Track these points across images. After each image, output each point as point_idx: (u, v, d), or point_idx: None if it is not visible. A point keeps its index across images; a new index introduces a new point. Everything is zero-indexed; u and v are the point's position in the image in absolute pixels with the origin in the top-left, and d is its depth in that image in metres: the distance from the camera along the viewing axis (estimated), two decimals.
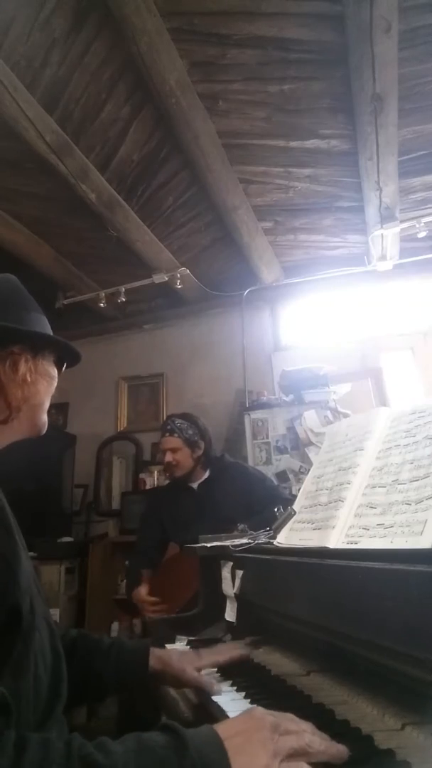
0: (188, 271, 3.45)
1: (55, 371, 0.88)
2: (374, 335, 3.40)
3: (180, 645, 1.17)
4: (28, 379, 0.81)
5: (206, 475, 2.28)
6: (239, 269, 3.57)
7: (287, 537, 1.00)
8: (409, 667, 0.59)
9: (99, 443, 3.83)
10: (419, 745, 0.57)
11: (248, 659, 0.96)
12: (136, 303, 4.01)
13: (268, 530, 1.17)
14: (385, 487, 0.78)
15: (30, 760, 0.46)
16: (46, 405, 0.86)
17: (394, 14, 1.73)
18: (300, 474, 2.72)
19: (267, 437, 2.94)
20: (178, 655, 0.92)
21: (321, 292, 3.62)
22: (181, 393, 3.78)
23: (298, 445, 2.82)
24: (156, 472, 3.55)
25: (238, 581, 1.10)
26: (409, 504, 0.69)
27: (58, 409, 3.98)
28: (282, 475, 2.82)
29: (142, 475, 3.61)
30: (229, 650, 0.99)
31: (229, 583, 1.14)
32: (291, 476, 2.79)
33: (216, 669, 0.96)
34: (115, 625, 3.23)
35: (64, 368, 0.91)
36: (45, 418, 0.86)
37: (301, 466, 2.76)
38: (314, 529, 0.90)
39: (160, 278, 3.45)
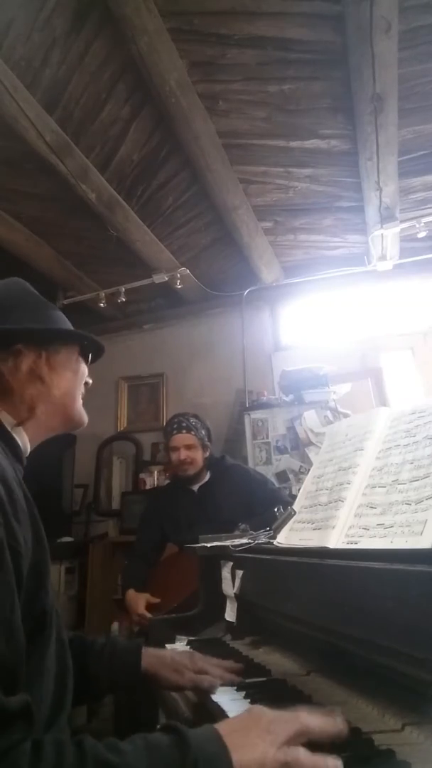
0: (188, 271, 3.45)
1: (79, 363, 0.90)
2: (374, 335, 3.39)
3: (180, 645, 1.17)
4: (39, 375, 0.81)
5: (207, 477, 2.27)
6: (239, 269, 3.57)
7: (287, 537, 1.00)
8: (409, 667, 0.59)
9: (99, 443, 3.83)
10: (419, 745, 0.57)
11: (241, 671, 0.91)
12: (136, 303, 4.01)
13: (268, 530, 1.17)
14: (385, 487, 0.78)
15: (47, 764, 0.48)
16: (77, 396, 0.88)
17: (394, 14, 1.73)
18: (300, 474, 2.72)
19: (267, 437, 2.94)
20: (173, 656, 0.91)
21: (321, 292, 3.62)
22: (181, 393, 3.78)
23: (298, 445, 2.82)
24: (156, 472, 3.56)
25: (238, 581, 1.10)
26: (409, 504, 0.69)
27: None
28: (282, 475, 2.82)
29: (142, 475, 3.61)
30: (221, 664, 0.92)
31: (229, 583, 1.14)
32: (291, 476, 2.79)
33: None
34: (115, 625, 3.22)
35: (90, 360, 0.93)
36: (80, 409, 0.88)
37: (301, 466, 2.76)
38: (314, 529, 0.90)
39: (160, 278, 3.44)
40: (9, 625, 0.55)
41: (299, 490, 1.11)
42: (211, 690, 0.83)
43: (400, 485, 0.75)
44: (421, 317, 3.32)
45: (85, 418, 0.90)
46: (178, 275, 3.43)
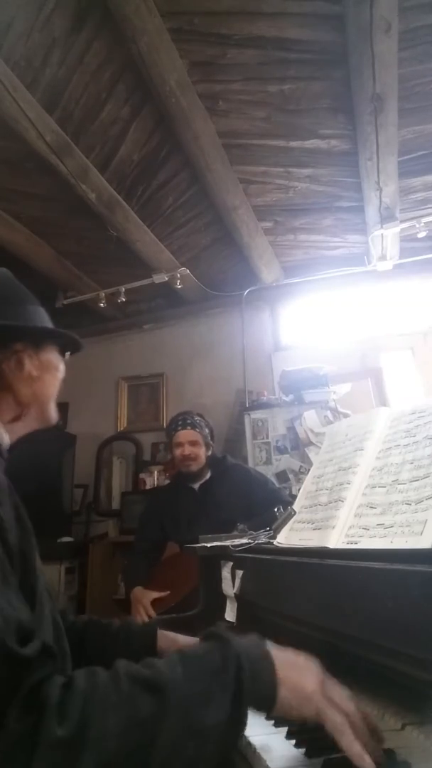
0: (188, 271, 3.45)
1: (59, 362, 0.88)
2: (374, 335, 3.39)
3: None
4: (34, 374, 0.81)
5: (208, 475, 2.28)
6: (239, 269, 3.57)
7: (287, 537, 1.00)
8: (409, 667, 0.59)
9: (99, 443, 3.82)
10: (419, 745, 0.57)
11: None
12: (136, 303, 4.01)
13: (268, 530, 1.17)
14: (385, 487, 0.78)
15: (78, 688, 0.49)
16: (55, 396, 0.87)
17: (394, 14, 1.73)
18: (300, 474, 2.72)
19: (267, 437, 2.94)
20: (186, 640, 0.91)
21: (321, 292, 3.62)
22: (181, 393, 3.78)
23: (298, 445, 2.82)
24: (156, 472, 3.56)
25: (238, 581, 1.10)
26: (409, 504, 0.69)
27: (58, 409, 3.97)
28: (282, 475, 2.82)
29: (142, 475, 3.61)
30: None
31: (229, 583, 1.14)
32: (291, 476, 2.79)
33: None
34: None
35: (66, 356, 0.92)
36: (54, 409, 0.88)
37: (301, 466, 2.76)
38: (314, 529, 0.90)
39: (160, 278, 3.44)
40: (8, 587, 0.54)
41: (299, 490, 1.11)
42: None
43: (400, 485, 0.75)
44: (421, 317, 3.32)
45: (56, 419, 0.89)
46: (178, 275, 3.43)
